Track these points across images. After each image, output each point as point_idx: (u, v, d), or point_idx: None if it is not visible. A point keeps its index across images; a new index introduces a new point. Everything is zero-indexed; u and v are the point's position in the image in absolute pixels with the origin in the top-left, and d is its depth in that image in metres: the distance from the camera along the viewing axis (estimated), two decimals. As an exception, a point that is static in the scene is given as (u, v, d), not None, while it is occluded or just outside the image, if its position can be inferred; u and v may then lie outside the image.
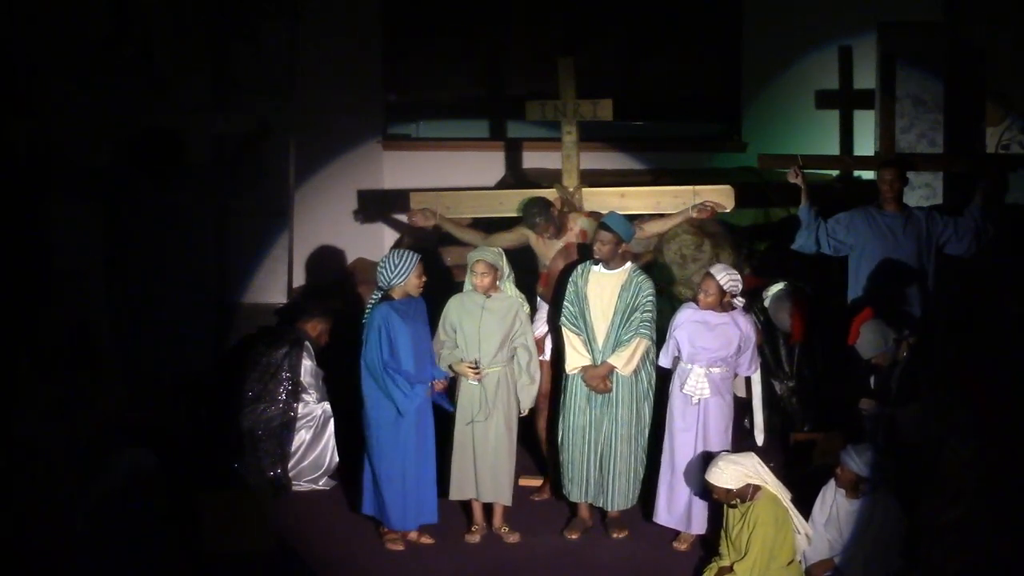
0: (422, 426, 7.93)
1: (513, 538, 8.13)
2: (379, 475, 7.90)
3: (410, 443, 7.87)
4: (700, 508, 7.95)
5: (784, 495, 7.38)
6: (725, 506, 7.45)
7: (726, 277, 7.92)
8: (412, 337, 7.83)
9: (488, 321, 8.06)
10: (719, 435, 7.94)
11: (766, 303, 9.24)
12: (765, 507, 7.31)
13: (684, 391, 7.97)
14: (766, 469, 7.41)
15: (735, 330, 7.92)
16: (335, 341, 9.10)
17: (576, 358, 8.13)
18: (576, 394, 8.16)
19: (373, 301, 7.94)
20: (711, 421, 7.93)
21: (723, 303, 7.94)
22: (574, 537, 8.18)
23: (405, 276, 7.82)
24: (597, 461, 8.14)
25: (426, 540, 8.06)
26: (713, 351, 7.92)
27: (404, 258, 7.85)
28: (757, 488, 7.34)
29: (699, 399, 7.93)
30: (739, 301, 7.99)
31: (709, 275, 7.97)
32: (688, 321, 8.01)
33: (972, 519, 6.91)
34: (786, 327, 9.12)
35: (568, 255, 8.69)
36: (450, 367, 8.06)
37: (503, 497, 8.14)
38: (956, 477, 7.02)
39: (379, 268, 7.90)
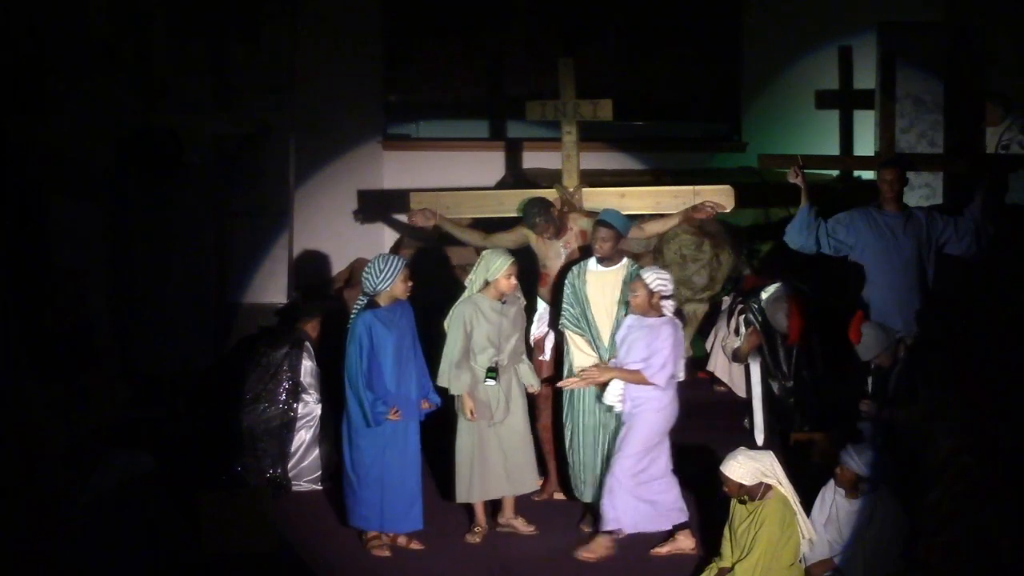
0: (407, 433, 7.88)
1: (529, 529, 8.17)
2: (358, 478, 7.86)
3: (390, 448, 7.83)
4: (619, 508, 7.84)
5: (794, 498, 7.36)
6: (733, 501, 7.44)
7: (653, 276, 7.83)
8: (395, 345, 7.78)
9: (507, 326, 8.07)
10: (625, 443, 7.80)
11: (763, 304, 9.24)
12: (774, 508, 7.30)
13: (603, 399, 7.95)
14: (782, 471, 7.38)
15: (650, 334, 7.79)
16: (335, 341, 9.09)
17: (582, 358, 8.12)
18: (584, 395, 8.15)
19: (359, 306, 7.90)
20: (627, 432, 7.84)
21: (653, 304, 7.83)
22: (590, 530, 8.16)
23: (390, 281, 7.75)
24: (607, 460, 8.14)
25: (415, 545, 8.03)
26: (631, 357, 7.83)
27: (389, 263, 7.79)
28: (768, 488, 7.33)
29: (613, 404, 7.89)
30: (669, 306, 7.89)
31: (637, 276, 7.89)
32: (624, 326, 7.96)
33: (968, 518, 6.91)
34: (783, 328, 9.11)
35: (568, 255, 8.68)
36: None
37: (530, 485, 8.22)
38: (939, 468, 7.03)
39: (364, 274, 7.84)
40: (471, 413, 7.98)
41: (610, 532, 7.89)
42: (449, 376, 7.98)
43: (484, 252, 8.19)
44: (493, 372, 8.01)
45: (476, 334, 8.02)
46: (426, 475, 8.16)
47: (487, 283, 8.03)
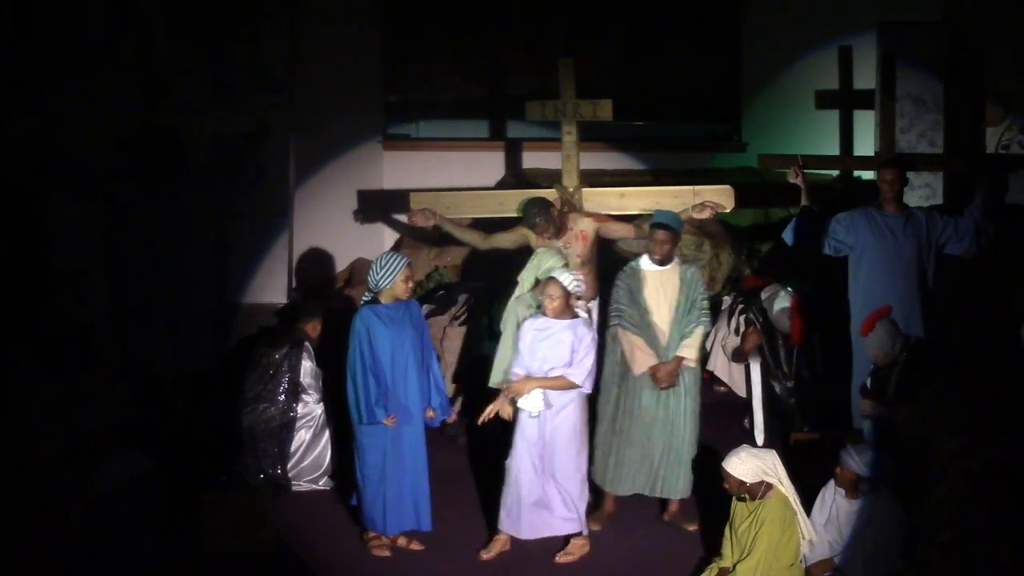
0: (406, 436, 7.85)
1: None
2: (364, 478, 7.85)
3: (391, 450, 7.81)
4: (529, 518, 7.83)
5: (795, 499, 7.36)
6: (733, 500, 7.43)
7: (569, 278, 7.72)
8: (392, 343, 7.72)
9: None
10: (564, 448, 7.77)
11: (765, 304, 9.24)
12: (775, 507, 7.29)
13: (520, 404, 7.81)
14: (784, 470, 7.37)
15: (571, 337, 7.70)
16: (335, 341, 9.10)
17: (644, 359, 8.02)
18: (638, 394, 8.08)
19: (364, 302, 7.90)
20: (559, 436, 7.77)
21: (568, 306, 7.75)
22: (596, 528, 8.15)
23: (391, 279, 7.71)
24: (661, 453, 8.11)
25: (415, 546, 8.02)
26: (550, 361, 7.74)
27: (391, 262, 7.75)
28: (770, 487, 7.33)
29: (538, 412, 7.76)
30: (583, 307, 7.80)
31: (552, 279, 7.73)
32: (530, 330, 7.81)
33: (968, 519, 6.91)
34: (785, 328, 9.12)
35: (568, 255, 8.67)
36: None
37: None
38: (941, 469, 7.04)
39: (369, 270, 7.85)
40: (508, 416, 7.93)
41: (581, 533, 7.93)
42: (505, 377, 7.95)
43: (537, 250, 8.20)
44: None
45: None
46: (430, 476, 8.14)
47: (537, 282, 8.00)
